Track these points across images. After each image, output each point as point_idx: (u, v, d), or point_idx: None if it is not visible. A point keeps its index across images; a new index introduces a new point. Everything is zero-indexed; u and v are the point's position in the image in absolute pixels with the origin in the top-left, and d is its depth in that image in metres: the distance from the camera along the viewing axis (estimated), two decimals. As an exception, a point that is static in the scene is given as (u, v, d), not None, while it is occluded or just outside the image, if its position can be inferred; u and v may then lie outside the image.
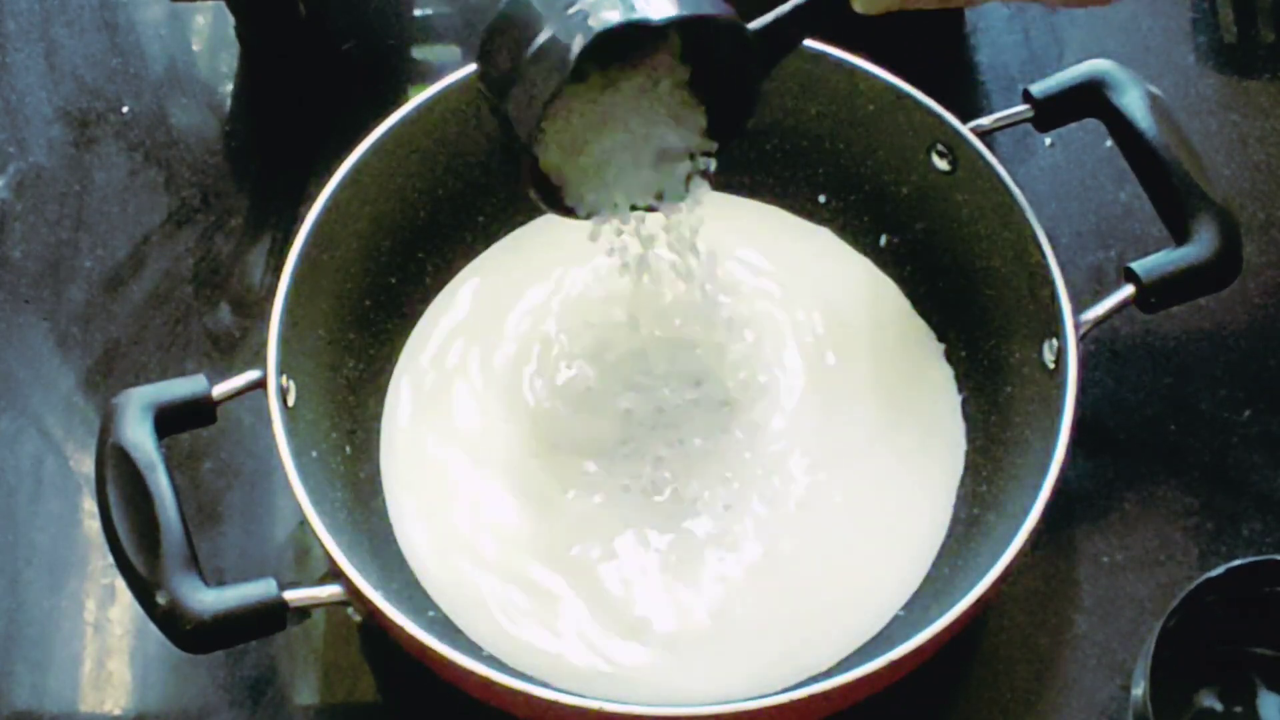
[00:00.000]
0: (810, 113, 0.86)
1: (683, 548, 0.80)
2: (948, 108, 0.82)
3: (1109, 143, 0.84)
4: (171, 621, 0.70)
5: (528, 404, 0.84)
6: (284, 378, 0.76)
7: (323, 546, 0.72)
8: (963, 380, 0.84)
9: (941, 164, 0.83)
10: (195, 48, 0.99)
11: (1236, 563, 0.73)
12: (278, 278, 0.78)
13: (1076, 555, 0.82)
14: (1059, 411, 0.74)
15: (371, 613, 0.72)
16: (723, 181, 0.88)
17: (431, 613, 0.78)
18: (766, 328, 0.85)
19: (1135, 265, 0.78)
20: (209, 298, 0.90)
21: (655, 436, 0.82)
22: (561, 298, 0.87)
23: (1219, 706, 0.76)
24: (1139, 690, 0.72)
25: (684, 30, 0.73)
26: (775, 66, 0.75)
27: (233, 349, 0.89)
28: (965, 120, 0.82)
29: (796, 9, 0.74)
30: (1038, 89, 0.82)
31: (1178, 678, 0.75)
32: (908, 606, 0.78)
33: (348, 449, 0.81)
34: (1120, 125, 0.81)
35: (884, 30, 0.89)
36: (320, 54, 0.98)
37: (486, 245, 0.88)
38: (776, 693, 0.71)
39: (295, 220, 0.81)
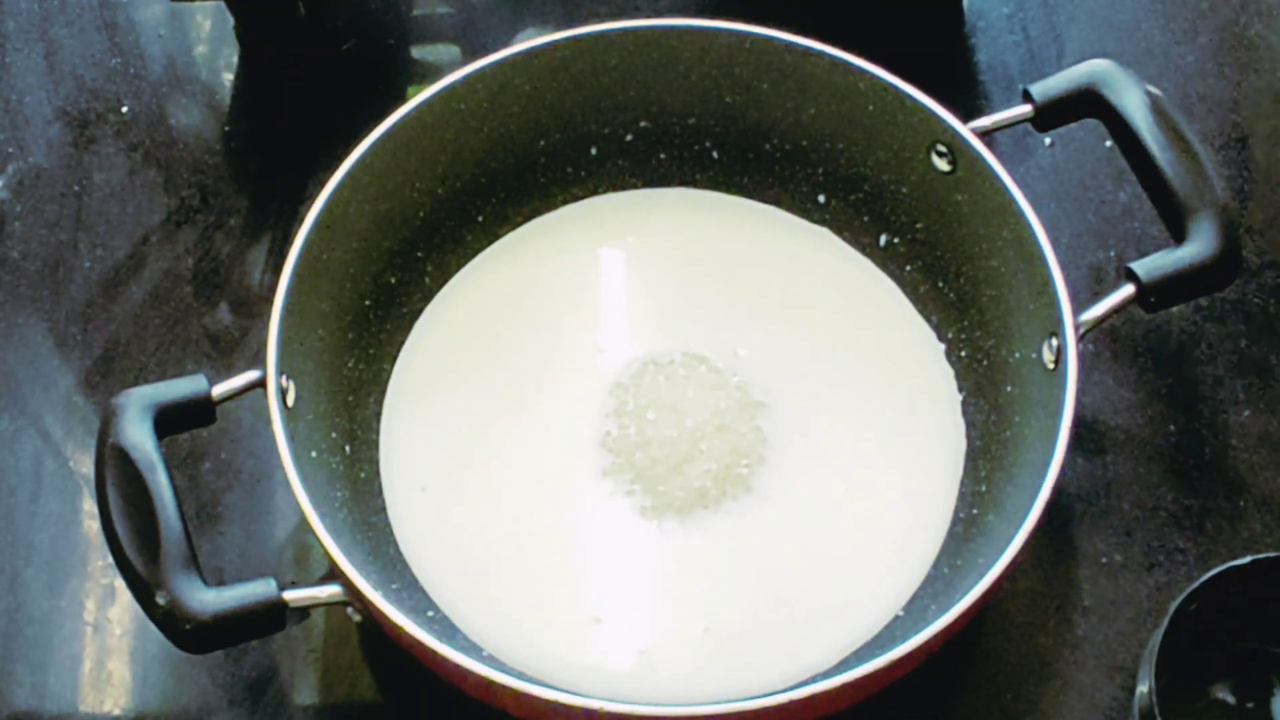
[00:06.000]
0: (810, 113, 0.86)
1: (684, 548, 0.80)
2: (948, 108, 0.82)
3: (1109, 143, 0.84)
4: (171, 622, 0.70)
5: (528, 404, 0.84)
6: (284, 378, 0.76)
7: (323, 546, 0.72)
8: (963, 380, 0.84)
9: (941, 164, 0.83)
10: (195, 48, 0.99)
11: (1236, 562, 0.73)
12: (278, 278, 0.78)
13: (1076, 555, 0.82)
14: (1059, 411, 0.74)
15: (371, 613, 0.72)
16: (723, 181, 0.89)
17: (431, 613, 0.78)
18: (766, 328, 0.85)
19: (1135, 265, 0.78)
20: (209, 298, 0.90)
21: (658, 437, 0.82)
22: (562, 299, 0.87)
23: (1231, 700, 0.76)
24: (1143, 687, 0.72)
25: None
26: None
27: (233, 349, 0.89)
28: (965, 120, 0.82)
29: None
30: (1037, 89, 0.82)
31: (1185, 674, 0.75)
32: (908, 606, 0.78)
33: (348, 449, 0.81)
34: (1120, 125, 0.81)
35: (883, 30, 0.90)
36: (320, 54, 0.98)
37: (486, 245, 0.88)
38: (776, 693, 0.71)
39: (295, 220, 0.81)
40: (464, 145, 0.86)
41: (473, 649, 0.77)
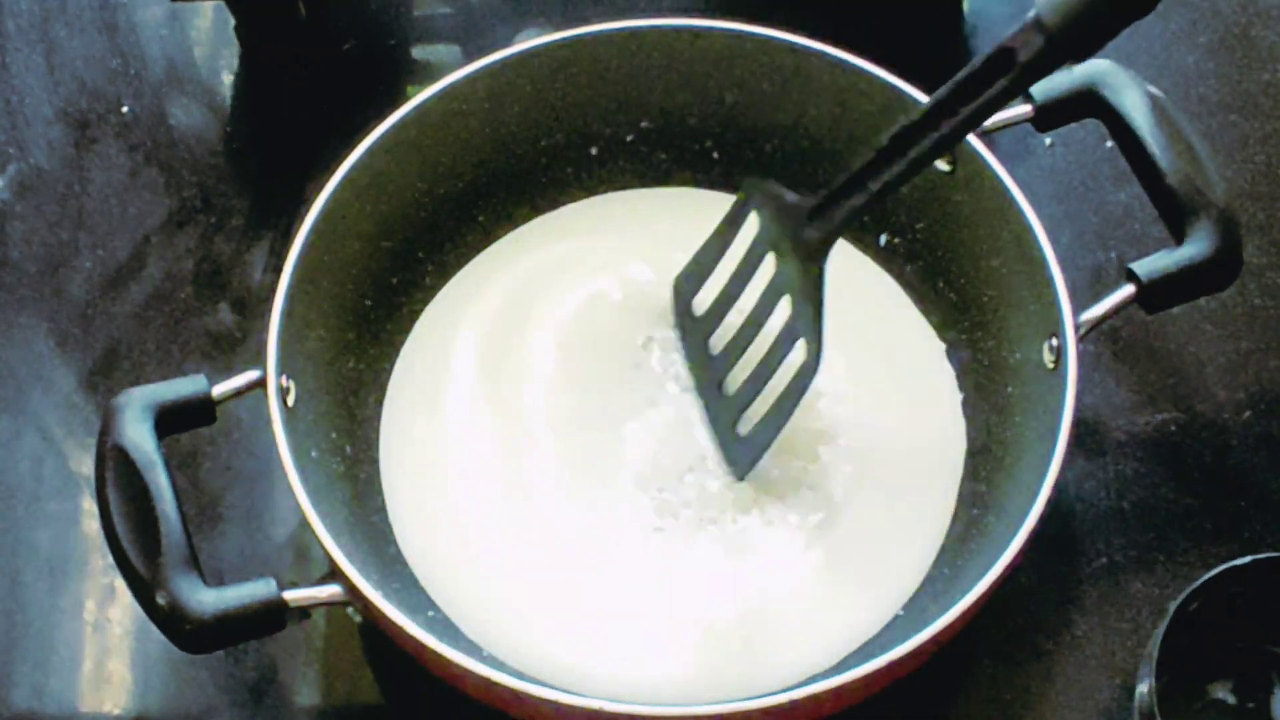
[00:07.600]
0: (810, 113, 0.86)
1: (683, 549, 0.79)
2: (948, 108, 0.82)
3: (1109, 143, 0.84)
4: (172, 621, 0.70)
5: (528, 405, 0.83)
6: (284, 378, 0.76)
7: (323, 546, 0.72)
8: (963, 380, 0.84)
9: (941, 164, 0.83)
10: (195, 48, 0.99)
11: (1236, 562, 0.73)
12: (278, 278, 0.78)
13: (1076, 555, 0.82)
14: (1059, 412, 0.74)
15: (371, 613, 0.72)
16: (723, 181, 0.89)
17: (431, 613, 0.78)
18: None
19: (1135, 265, 0.78)
20: (209, 298, 0.90)
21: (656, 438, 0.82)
22: (563, 299, 0.87)
23: (1231, 700, 0.76)
24: (1143, 687, 0.72)
25: None
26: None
27: (233, 349, 0.89)
28: (965, 120, 0.82)
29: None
30: (1037, 89, 0.82)
31: (1185, 674, 0.75)
32: (908, 606, 0.78)
33: (348, 449, 0.81)
34: (1120, 126, 0.81)
35: (883, 30, 0.90)
36: (320, 54, 0.98)
37: (486, 245, 0.88)
38: (776, 693, 0.71)
39: (295, 220, 0.81)
40: (464, 145, 0.86)
41: (473, 649, 0.77)
